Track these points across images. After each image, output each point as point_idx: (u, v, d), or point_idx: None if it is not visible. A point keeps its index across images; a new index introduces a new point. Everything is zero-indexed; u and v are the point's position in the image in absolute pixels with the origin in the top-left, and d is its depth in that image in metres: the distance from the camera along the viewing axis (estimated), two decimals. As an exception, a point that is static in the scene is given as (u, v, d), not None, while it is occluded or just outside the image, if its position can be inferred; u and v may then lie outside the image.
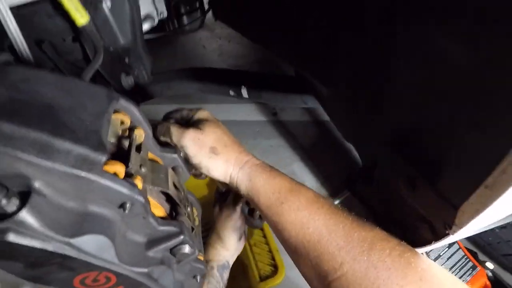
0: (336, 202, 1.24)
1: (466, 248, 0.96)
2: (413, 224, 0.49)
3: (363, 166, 0.65)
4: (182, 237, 0.41)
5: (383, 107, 0.50)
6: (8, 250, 0.28)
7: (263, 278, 0.98)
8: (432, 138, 0.42)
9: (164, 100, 1.76)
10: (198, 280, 0.53)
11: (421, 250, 0.49)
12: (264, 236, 1.08)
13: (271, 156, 1.53)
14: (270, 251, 1.04)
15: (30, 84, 0.32)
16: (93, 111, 0.36)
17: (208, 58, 2.24)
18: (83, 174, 0.31)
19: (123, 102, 0.42)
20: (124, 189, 0.34)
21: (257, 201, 0.53)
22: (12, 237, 0.27)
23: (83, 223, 0.32)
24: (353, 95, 0.58)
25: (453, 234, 0.39)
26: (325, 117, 1.73)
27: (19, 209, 0.27)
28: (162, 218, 0.42)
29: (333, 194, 1.31)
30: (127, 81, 0.98)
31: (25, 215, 0.27)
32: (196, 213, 0.63)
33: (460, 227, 0.38)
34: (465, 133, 0.34)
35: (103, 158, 0.32)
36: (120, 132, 0.42)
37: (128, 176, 0.36)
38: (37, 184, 0.29)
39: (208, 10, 1.46)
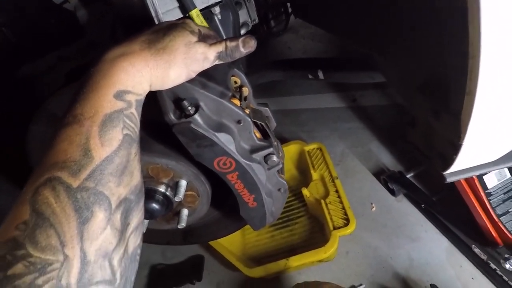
0: (409, 175, 1.34)
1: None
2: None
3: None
4: (271, 149, 0.67)
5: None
6: (190, 133, 0.58)
7: (336, 228, 1.17)
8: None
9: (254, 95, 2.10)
10: (282, 192, 0.78)
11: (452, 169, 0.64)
12: (339, 196, 1.26)
13: (350, 137, 1.69)
14: (343, 208, 1.22)
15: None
16: (222, 72, 0.65)
17: (294, 56, 2.50)
18: (220, 100, 0.59)
19: (236, 71, 0.71)
20: (240, 111, 0.61)
21: None
22: (192, 125, 0.57)
23: (220, 127, 0.60)
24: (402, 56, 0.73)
25: (462, 142, 0.55)
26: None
27: (195, 112, 0.57)
28: (259, 139, 0.69)
29: (407, 169, 1.40)
30: (231, 72, 1.31)
31: (197, 116, 0.57)
32: (281, 154, 0.88)
33: (465, 134, 0.53)
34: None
35: (230, 93, 0.61)
36: (234, 88, 0.71)
37: (241, 107, 0.64)
38: (201, 104, 0.59)
39: (291, 13, 1.72)
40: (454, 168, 0.64)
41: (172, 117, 0.57)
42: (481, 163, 0.63)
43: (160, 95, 0.56)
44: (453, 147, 0.60)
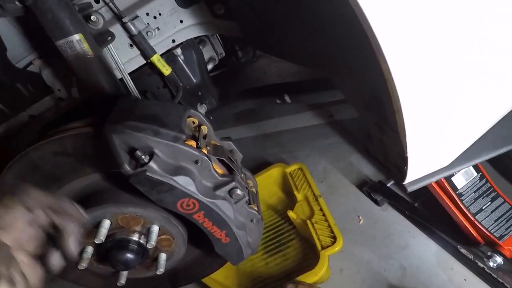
0: (389, 184, 1.35)
1: None
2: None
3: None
4: (234, 183, 0.68)
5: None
6: (148, 182, 0.59)
7: (325, 248, 1.16)
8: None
9: (234, 123, 2.13)
10: (254, 222, 0.78)
11: (409, 179, 0.65)
12: (324, 215, 1.27)
13: (331, 153, 1.71)
14: (329, 226, 1.22)
15: (148, 105, 0.65)
16: (176, 115, 0.67)
17: (270, 80, 2.56)
18: (174, 144, 0.61)
19: (192, 111, 0.73)
20: (195, 152, 0.63)
21: None
22: (148, 173, 0.58)
23: (178, 170, 0.62)
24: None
25: (406, 154, 0.57)
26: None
27: (149, 161, 0.58)
28: (222, 174, 0.70)
29: (388, 177, 1.41)
30: (202, 108, 1.35)
31: (152, 163, 0.59)
32: (252, 184, 0.89)
33: (406, 147, 0.55)
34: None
35: (183, 136, 0.63)
36: (193, 128, 0.73)
37: (198, 147, 0.66)
38: (155, 151, 0.60)
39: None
40: (411, 177, 0.66)
41: (127, 168, 0.59)
42: (436, 170, 0.65)
43: (113, 147, 0.58)
44: (402, 159, 0.62)
